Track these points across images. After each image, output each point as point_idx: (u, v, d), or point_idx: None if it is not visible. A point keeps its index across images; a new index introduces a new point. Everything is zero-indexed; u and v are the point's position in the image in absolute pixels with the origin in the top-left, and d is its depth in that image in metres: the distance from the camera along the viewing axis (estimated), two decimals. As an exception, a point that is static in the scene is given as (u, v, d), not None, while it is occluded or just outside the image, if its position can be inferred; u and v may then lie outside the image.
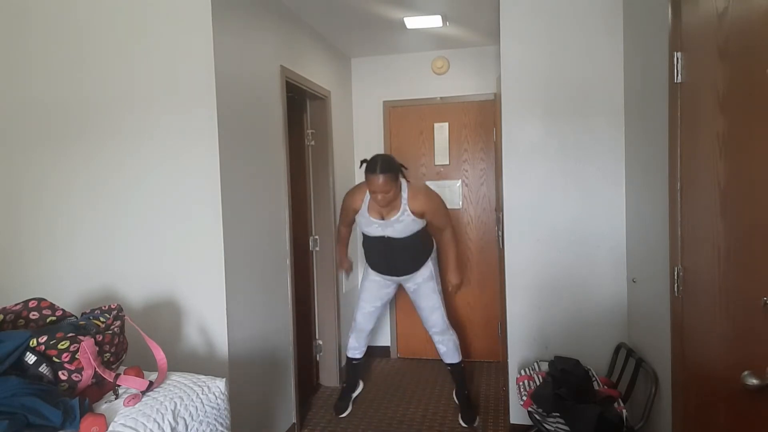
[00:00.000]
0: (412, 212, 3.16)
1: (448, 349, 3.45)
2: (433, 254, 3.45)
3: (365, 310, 3.52)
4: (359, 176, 4.58)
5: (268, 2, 3.01)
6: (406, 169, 3.20)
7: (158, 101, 2.46)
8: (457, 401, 3.54)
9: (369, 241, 3.34)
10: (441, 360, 3.58)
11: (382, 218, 3.20)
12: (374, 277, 3.47)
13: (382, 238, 3.24)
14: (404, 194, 3.16)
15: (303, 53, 3.51)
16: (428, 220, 3.26)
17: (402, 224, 3.17)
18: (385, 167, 3.00)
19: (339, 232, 3.61)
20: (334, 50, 4.15)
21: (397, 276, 3.40)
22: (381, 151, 4.55)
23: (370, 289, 3.49)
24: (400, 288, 3.59)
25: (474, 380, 4.10)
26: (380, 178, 2.98)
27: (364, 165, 3.11)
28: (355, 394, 3.67)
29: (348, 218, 3.41)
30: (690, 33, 1.93)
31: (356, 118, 4.60)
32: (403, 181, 3.19)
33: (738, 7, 1.55)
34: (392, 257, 3.30)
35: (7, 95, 2.63)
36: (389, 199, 3.07)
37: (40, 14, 2.58)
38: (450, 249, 3.39)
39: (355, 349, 3.59)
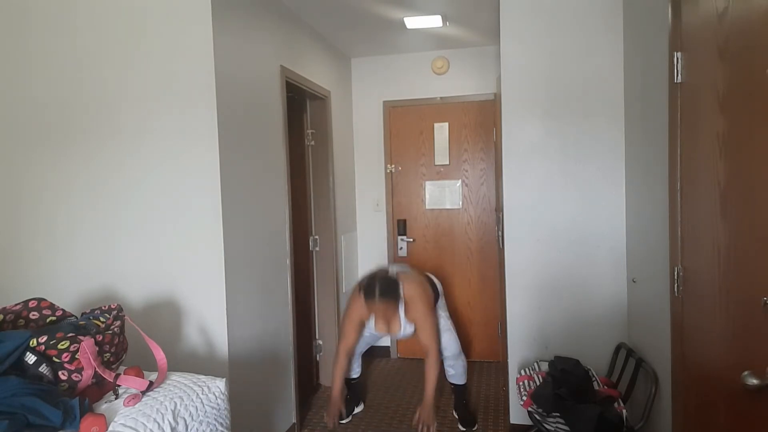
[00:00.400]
0: (411, 321, 3.06)
1: (457, 373, 3.39)
2: (440, 300, 3.36)
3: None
4: (359, 176, 4.60)
5: (268, 2, 3.01)
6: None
7: (158, 101, 2.46)
8: (455, 414, 3.48)
9: None
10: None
11: (389, 331, 3.15)
12: None
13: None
14: (401, 309, 3.02)
15: (303, 53, 3.51)
16: (416, 327, 3.03)
17: (406, 332, 3.13)
18: (384, 292, 2.85)
19: (339, 354, 3.10)
20: (334, 50, 4.15)
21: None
22: (381, 150, 4.57)
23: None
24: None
25: (474, 380, 4.10)
26: (380, 305, 2.87)
27: (362, 287, 2.94)
28: (357, 411, 3.60)
29: (354, 332, 3.10)
30: (690, 33, 1.93)
31: (356, 118, 4.60)
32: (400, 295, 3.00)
33: (738, 7, 1.55)
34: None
35: (7, 95, 2.63)
36: (389, 315, 3.02)
37: (41, 15, 2.58)
38: (429, 378, 2.97)
39: (350, 370, 3.50)
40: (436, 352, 3.03)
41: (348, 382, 3.56)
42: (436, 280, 3.43)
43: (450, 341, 3.32)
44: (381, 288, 2.86)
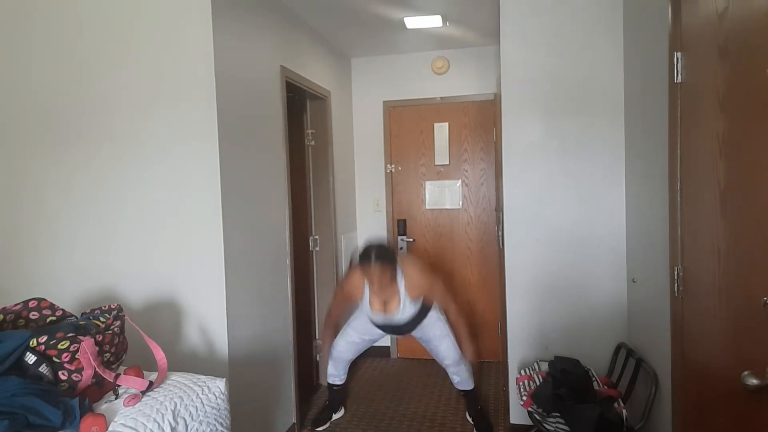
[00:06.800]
0: (412, 298, 3.04)
1: (462, 379, 3.29)
2: (435, 304, 3.27)
3: (351, 339, 3.32)
4: (359, 176, 4.60)
5: (268, 2, 3.01)
6: (400, 249, 3.00)
7: (158, 101, 2.46)
8: (470, 420, 3.36)
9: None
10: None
11: (385, 311, 3.07)
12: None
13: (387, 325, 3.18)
14: (401, 282, 3.00)
15: (303, 53, 3.51)
16: (424, 294, 3.09)
17: (405, 315, 3.06)
18: (380, 255, 2.85)
19: (330, 315, 3.26)
20: (334, 50, 4.15)
21: (401, 335, 3.38)
22: (381, 150, 4.56)
23: (363, 321, 3.26)
24: None
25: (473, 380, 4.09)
26: (375, 269, 2.84)
27: (358, 255, 2.94)
28: (336, 417, 3.48)
29: (345, 304, 3.20)
30: (690, 33, 1.93)
31: (356, 118, 4.60)
32: (398, 267, 3.00)
33: (738, 7, 1.55)
34: (396, 329, 3.21)
35: (7, 95, 2.63)
36: (386, 283, 2.94)
37: (41, 14, 2.58)
38: (460, 326, 3.17)
39: (335, 376, 3.42)
40: (455, 305, 3.10)
41: (330, 387, 3.47)
42: None
43: (449, 348, 3.22)
44: (377, 252, 2.84)
